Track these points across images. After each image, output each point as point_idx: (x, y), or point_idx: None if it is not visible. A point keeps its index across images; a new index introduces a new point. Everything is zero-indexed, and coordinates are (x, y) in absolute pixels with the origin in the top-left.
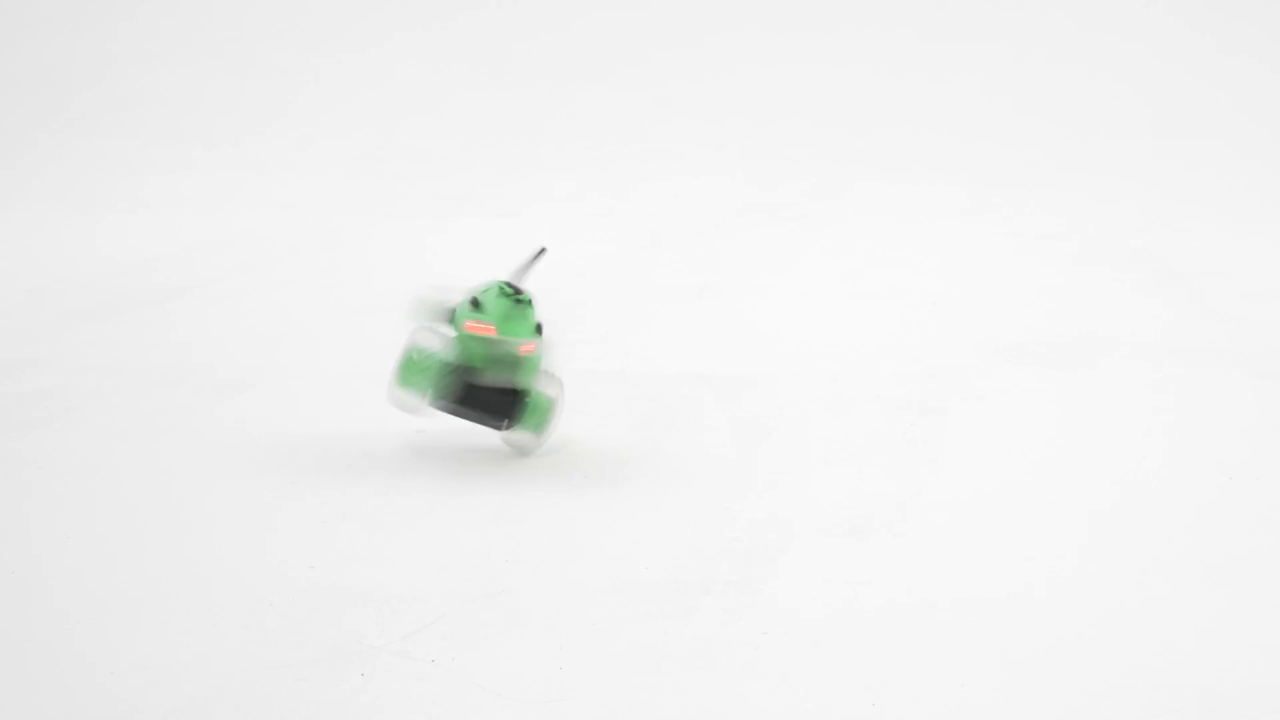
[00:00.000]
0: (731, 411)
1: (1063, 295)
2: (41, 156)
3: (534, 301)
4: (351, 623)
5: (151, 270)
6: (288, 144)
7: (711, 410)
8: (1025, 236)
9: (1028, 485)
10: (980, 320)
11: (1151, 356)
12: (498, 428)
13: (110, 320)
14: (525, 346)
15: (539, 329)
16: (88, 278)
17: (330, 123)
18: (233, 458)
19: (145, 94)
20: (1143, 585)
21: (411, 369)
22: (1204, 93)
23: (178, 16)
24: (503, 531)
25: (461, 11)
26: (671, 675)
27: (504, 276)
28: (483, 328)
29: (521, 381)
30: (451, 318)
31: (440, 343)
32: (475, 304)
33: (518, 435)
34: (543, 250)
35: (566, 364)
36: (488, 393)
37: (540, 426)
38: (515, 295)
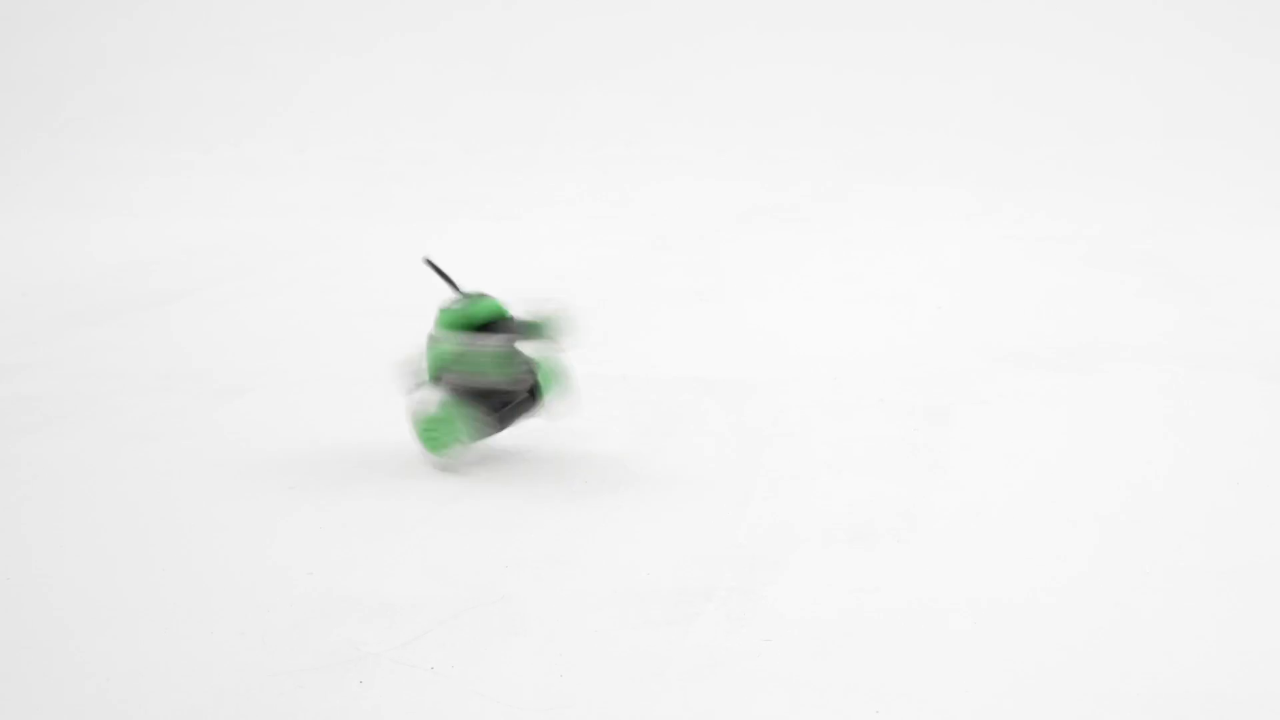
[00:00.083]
0: (734, 416)
1: (1068, 299)
2: (37, 159)
3: (484, 296)
4: (350, 630)
5: (148, 274)
6: (285, 146)
7: (714, 415)
8: (1030, 240)
9: (1033, 491)
10: (985, 324)
11: (1158, 361)
12: (535, 411)
13: (107, 324)
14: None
15: (513, 321)
16: (84, 281)
17: (329, 125)
18: (231, 463)
19: (141, 96)
20: (1148, 591)
21: (432, 438)
22: (1211, 95)
23: (175, 18)
24: (502, 537)
25: (461, 12)
26: (673, 683)
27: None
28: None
29: (530, 373)
30: (442, 360)
31: (435, 398)
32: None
33: (551, 403)
34: (428, 260)
35: (565, 365)
36: (506, 394)
37: (563, 384)
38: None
